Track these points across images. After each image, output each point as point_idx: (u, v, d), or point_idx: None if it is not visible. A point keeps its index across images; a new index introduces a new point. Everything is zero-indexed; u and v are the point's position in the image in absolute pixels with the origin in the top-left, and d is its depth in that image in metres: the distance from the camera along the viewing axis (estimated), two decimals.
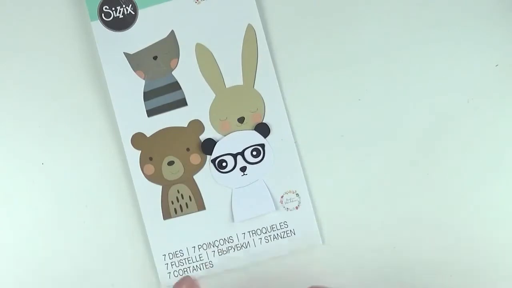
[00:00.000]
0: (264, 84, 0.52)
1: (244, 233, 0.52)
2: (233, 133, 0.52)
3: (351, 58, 0.53)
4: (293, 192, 0.52)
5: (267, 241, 0.52)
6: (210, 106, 0.52)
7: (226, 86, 0.52)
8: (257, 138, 0.52)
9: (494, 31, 0.52)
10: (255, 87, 0.52)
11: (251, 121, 0.52)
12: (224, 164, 0.52)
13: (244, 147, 0.52)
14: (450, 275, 0.51)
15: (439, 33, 0.52)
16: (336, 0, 0.53)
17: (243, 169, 0.52)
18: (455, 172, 0.52)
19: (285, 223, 0.52)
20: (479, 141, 0.52)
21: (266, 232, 0.52)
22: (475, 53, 0.52)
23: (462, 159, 0.52)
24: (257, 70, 0.52)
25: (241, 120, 0.52)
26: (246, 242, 0.52)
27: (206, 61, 0.52)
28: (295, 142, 0.52)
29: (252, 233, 0.52)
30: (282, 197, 0.52)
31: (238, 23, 0.52)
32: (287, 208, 0.52)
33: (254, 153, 0.52)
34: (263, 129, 0.52)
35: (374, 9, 0.53)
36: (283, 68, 0.53)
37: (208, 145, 0.52)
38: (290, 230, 0.52)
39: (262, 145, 0.52)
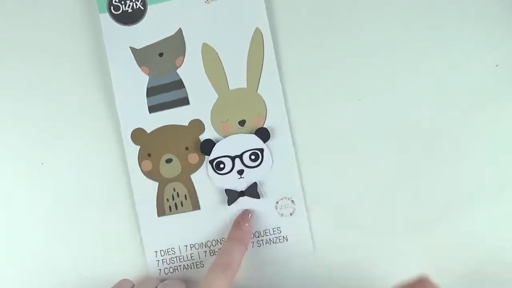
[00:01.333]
0: (267, 88, 0.52)
1: None
2: (233, 135, 0.52)
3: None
4: (289, 199, 0.52)
5: (259, 245, 0.52)
6: (212, 107, 0.52)
7: (230, 88, 0.52)
8: (257, 142, 0.52)
9: (494, 31, 0.52)
10: (258, 91, 0.52)
11: (252, 124, 0.52)
12: (221, 165, 0.52)
13: (243, 150, 0.52)
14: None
15: (439, 33, 0.52)
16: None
17: (240, 172, 0.52)
18: (455, 172, 0.51)
19: (278, 228, 0.52)
20: (479, 141, 0.52)
21: (259, 236, 0.52)
22: (475, 53, 0.52)
23: (462, 159, 0.52)
24: (261, 74, 0.52)
25: (242, 123, 0.52)
26: None
27: (212, 61, 0.52)
28: (294, 149, 0.52)
29: None
30: (277, 202, 0.52)
31: (246, 26, 0.52)
32: (282, 214, 0.52)
33: (253, 157, 0.52)
34: (263, 134, 0.52)
35: (375, 9, 0.53)
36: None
37: (207, 146, 0.52)
38: (283, 236, 0.52)
39: (261, 150, 0.52)
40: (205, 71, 0.53)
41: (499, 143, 0.51)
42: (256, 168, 0.52)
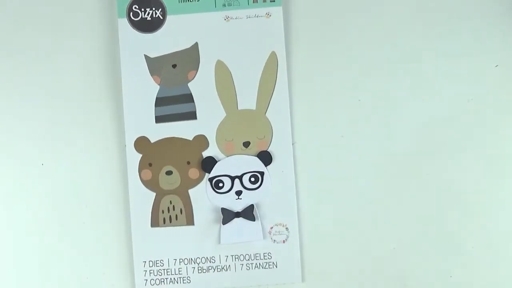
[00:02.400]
0: (276, 113, 0.52)
1: (227, 256, 0.52)
2: (235, 155, 0.52)
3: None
4: (283, 226, 0.52)
5: (248, 268, 0.52)
6: (219, 125, 0.52)
7: (238, 108, 0.52)
8: (258, 165, 0.52)
9: (494, 31, 0.52)
10: (266, 114, 0.52)
11: (256, 147, 0.52)
12: (220, 184, 0.52)
13: (244, 172, 0.52)
14: (450, 275, 0.51)
15: (440, 33, 0.52)
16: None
17: (238, 193, 0.52)
18: (455, 171, 0.52)
19: (269, 254, 0.52)
20: (479, 140, 0.52)
21: (249, 259, 0.52)
22: (475, 53, 0.52)
23: (462, 158, 0.52)
24: (271, 98, 0.52)
25: (246, 144, 0.52)
26: (228, 266, 0.52)
27: (224, 79, 0.52)
28: (295, 176, 0.52)
29: (235, 258, 0.52)
30: (271, 228, 0.52)
31: (262, 48, 0.52)
32: (274, 240, 0.52)
33: (252, 179, 0.52)
34: (265, 157, 0.52)
35: (375, 9, 0.53)
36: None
37: (209, 163, 0.52)
38: (273, 262, 0.52)
39: (262, 173, 0.52)
40: (216, 88, 0.52)
41: (499, 143, 0.52)
42: (254, 191, 0.52)
